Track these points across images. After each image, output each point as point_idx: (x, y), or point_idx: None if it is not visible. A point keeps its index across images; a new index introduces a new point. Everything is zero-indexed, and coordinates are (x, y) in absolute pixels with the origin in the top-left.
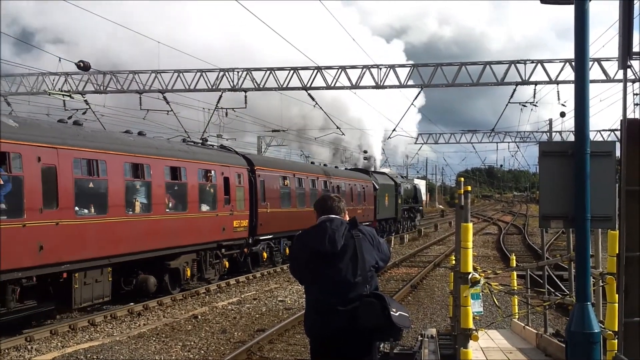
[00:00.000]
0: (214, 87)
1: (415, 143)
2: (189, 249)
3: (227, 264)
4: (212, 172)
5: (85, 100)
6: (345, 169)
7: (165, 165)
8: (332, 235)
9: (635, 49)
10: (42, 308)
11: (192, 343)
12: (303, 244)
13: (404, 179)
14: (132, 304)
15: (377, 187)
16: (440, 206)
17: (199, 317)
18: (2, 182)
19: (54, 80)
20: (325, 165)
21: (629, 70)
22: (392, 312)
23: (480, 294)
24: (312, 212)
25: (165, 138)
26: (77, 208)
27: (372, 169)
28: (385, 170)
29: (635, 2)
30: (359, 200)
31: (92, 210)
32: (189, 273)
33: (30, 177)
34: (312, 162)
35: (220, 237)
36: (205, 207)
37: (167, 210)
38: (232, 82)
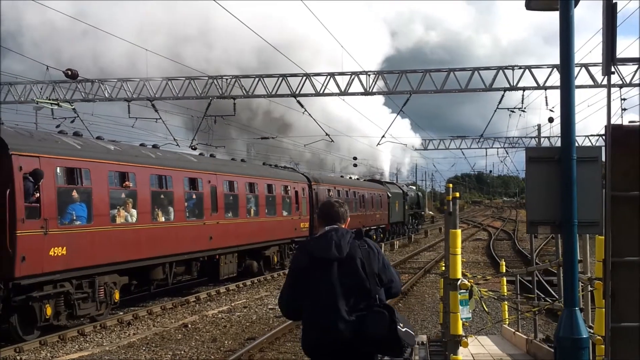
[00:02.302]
0: (202, 95)
1: (405, 148)
2: (275, 243)
3: None
4: (289, 186)
5: (74, 109)
6: (364, 180)
7: (265, 183)
8: (338, 242)
9: (623, 55)
10: (192, 280)
11: (182, 352)
12: (305, 252)
13: (409, 187)
14: (121, 313)
15: (389, 195)
16: (430, 212)
17: (189, 326)
18: (194, 197)
19: (41, 89)
20: (350, 177)
21: (615, 75)
22: (399, 327)
23: (469, 300)
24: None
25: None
26: (225, 213)
27: (382, 180)
28: (376, 177)
29: (618, 8)
30: (377, 207)
31: (231, 214)
32: (275, 260)
33: (206, 193)
34: (342, 176)
35: (293, 234)
36: (285, 213)
37: (266, 214)
38: (221, 89)
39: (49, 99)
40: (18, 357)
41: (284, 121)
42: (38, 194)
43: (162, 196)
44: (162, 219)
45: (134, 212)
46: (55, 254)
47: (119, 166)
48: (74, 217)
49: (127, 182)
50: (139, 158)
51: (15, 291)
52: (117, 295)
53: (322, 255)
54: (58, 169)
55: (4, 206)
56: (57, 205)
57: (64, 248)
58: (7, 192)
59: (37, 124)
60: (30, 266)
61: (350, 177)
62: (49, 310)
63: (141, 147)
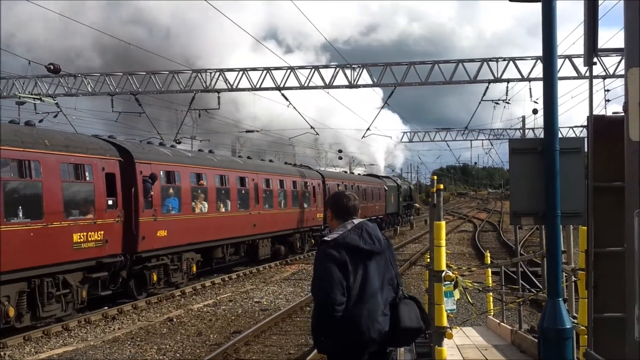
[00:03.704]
0: (186, 88)
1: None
2: (298, 230)
3: (313, 241)
4: (308, 182)
5: (57, 103)
6: (367, 175)
7: (291, 179)
8: (376, 235)
9: (606, 46)
10: (239, 260)
11: (168, 346)
12: (341, 247)
13: (403, 180)
14: (106, 308)
15: (386, 188)
16: (416, 204)
17: (174, 320)
18: (243, 192)
19: (23, 83)
20: (352, 173)
21: (598, 66)
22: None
23: (453, 292)
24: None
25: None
26: (264, 205)
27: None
28: (361, 169)
29: (600, 0)
30: (376, 199)
31: (268, 206)
32: (298, 245)
33: (251, 189)
34: (345, 171)
35: (311, 224)
36: (305, 205)
37: (292, 206)
38: (205, 83)
39: (32, 94)
40: (1, 353)
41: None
42: (153, 192)
43: (222, 191)
44: (223, 209)
45: (205, 204)
46: (160, 235)
47: (196, 169)
48: (170, 208)
49: (201, 181)
50: (207, 161)
51: (134, 262)
52: (194, 268)
53: (369, 248)
54: (161, 172)
55: (130, 200)
56: (161, 199)
57: (165, 231)
58: (133, 190)
59: (19, 119)
60: (146, 243)
61: (352, 172)
62: (154, 277)
63: (203, 152)
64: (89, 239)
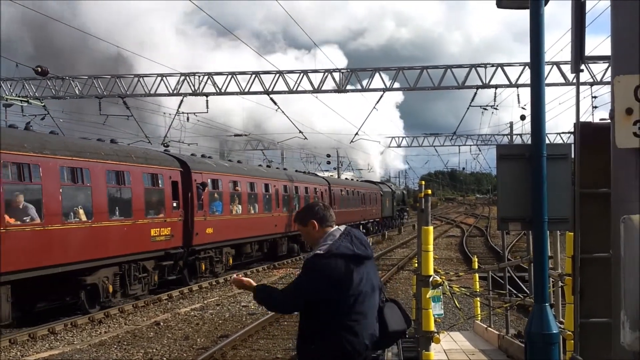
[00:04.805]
0: (174, 92)
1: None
2: None
3: None
4: (317, 188)
5: (44, 106)
6: (364, 181)
7: (304, 185)
8: (363, 239)
9: (593, 53)
10: (257, 257)
11: (154, 350)
12: (337, 256)
13: (397, 186)
14: (92, 311)
15: (382, 193)
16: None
17: (161, 323)
18: (267, 196)
19: (11, 86)
20: (352, 179)
21: (586, 73)
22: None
23: (441, 297)
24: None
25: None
26: (282, 208)
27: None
28: (349, 174)
29: (587, 6)
30: (373, 203)
31: (285, 209)
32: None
33: (272, 193)
34: (331, 175)
35: None
36: None
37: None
38: (193, 86)
39: (19, 96)
40: None
41: None
42: (203, 196)
43: (252, 196)
44: (252, 211)
45: (239, 207)
46: (209, 232)
47: (233, 176)
48: (215, 210)
49: (237, 187)
50: (240, 170)
51: (189, 254)
52: (230, 261)
53: (364, 253)
54: (209, 179)
55: (187, 203)
56: (209, 202)
57: (212, 229)
58: (189, 194)
59: (6, 122)
60: (199, 238)
61: (353, 179)
62: (203, 267)
63: (234, 162)
64: (161, 234)
